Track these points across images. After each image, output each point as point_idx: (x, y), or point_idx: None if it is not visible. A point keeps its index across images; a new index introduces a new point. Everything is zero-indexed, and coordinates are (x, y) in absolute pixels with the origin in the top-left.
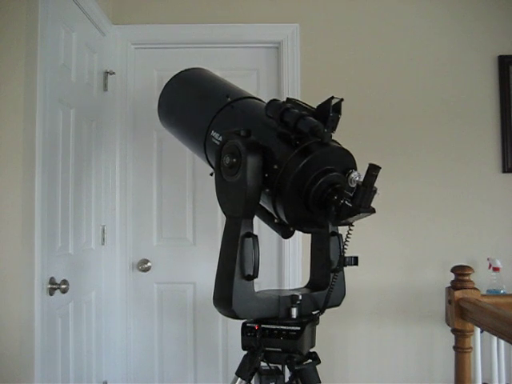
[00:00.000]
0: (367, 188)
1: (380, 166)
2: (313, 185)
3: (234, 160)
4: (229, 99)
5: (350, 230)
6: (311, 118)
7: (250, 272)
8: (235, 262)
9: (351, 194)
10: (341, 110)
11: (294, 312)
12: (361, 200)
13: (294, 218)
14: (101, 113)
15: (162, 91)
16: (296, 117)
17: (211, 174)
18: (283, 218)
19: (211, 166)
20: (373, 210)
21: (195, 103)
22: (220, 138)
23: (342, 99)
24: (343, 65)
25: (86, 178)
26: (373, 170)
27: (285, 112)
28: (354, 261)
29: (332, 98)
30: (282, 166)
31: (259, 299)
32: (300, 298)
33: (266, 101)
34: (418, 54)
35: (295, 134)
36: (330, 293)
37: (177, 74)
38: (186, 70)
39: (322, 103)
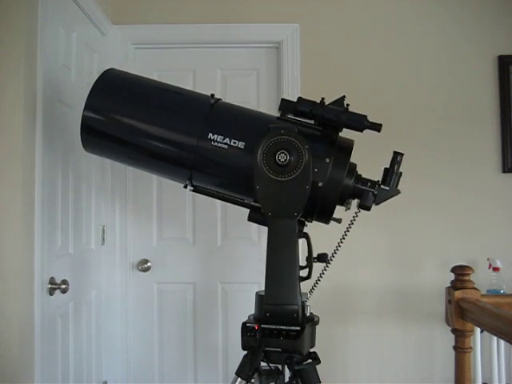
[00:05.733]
0: (395, 171)
1: (379, 165)
2: (350, 177)
3: (292, 158)
4: (212, 100)
5: (350, 226)
6: (357, 113)
7: (300, 273)
8: (297, 264)
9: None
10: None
11: (308, 309)
12: (393, 182)
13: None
14: None
15: (91, 105)
16: (346, 113)
17: (185, 187)
18: (325, 211)
19: (190, 180)
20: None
21: (165, 108)
22: (227, 141)
23: (344, 96)
24: (343, 65)
25: (86, 178)
26: (399, 157)
27: (327, 109)
28: (325, 257)
29: (344, 96)
30: (331, 160)
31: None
32: (308, 295)
33: (266, 101)
34: (417, 54)
35: (341, 128)
36: (313, 288)
37: (100, 84)
38: (106, 76)
39: (336, 100)
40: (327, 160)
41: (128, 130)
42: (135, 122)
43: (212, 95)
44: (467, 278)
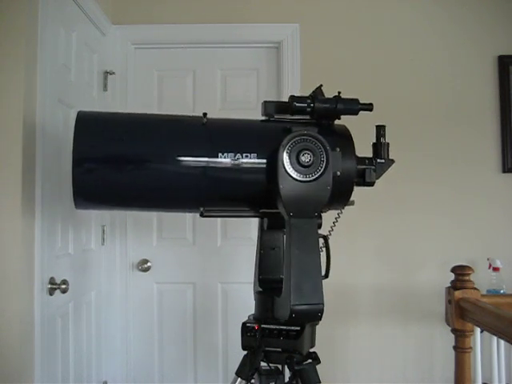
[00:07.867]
0: (383, 143)
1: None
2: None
3: (315, 158)
4: (205, 120)
5: (338, 216)
6: (349, 98)
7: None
8: (320, 263)
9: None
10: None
11: None
12: (385, 154)
13: None
14: None
15: (82, 147)
16: (341, 100)
17: (202, 214)
18: (341, 198)
19: (204, 206)
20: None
21: (164, 142)
22: (238, 156)
23: (321, 85)
24: (343, 65)
25: None
26: (382, 130)
27: (323, 100)
28: None
29: (321, 85)
30: (340, 148)
31: None
32: None
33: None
34: (418, 54)
35: (340, 116)
36: None
37: (82, 137)
38: (83, 125)
39: (315, 91)
40: (338, 149)
41: (131, 178)
42: (136, 162)
43: (204, 114)
44: (467, 278)
